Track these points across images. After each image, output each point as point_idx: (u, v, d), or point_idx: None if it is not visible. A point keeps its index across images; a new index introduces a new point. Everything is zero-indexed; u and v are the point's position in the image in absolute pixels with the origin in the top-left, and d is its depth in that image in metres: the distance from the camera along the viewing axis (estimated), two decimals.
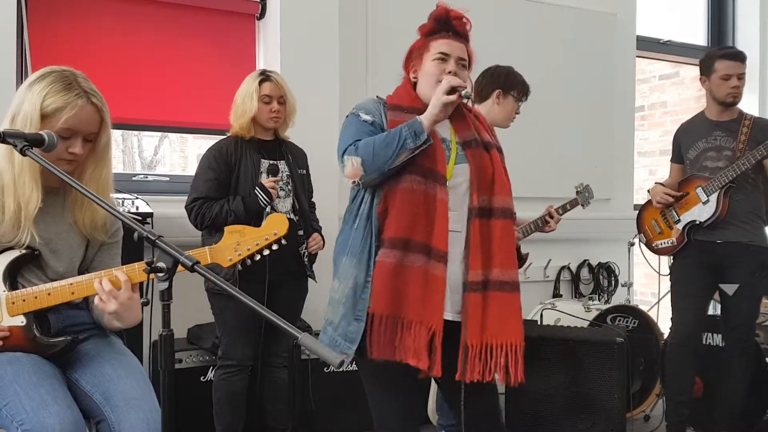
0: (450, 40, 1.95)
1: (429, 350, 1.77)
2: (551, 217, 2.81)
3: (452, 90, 1.83)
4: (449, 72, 1.91)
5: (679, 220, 3.10)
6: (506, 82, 2.78)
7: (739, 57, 3.01)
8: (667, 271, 3.28)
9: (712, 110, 3.09)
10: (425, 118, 1.83)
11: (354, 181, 1.87)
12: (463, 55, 1.96)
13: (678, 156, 3.21)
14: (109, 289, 1.60)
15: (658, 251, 3.24)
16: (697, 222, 3.03)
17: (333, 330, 1.88)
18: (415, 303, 1.79)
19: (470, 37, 1.99)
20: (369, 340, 1.79)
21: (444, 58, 1.93)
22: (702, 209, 3.01)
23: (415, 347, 1.77)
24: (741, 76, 2.99)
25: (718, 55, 3.04)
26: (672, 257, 3.21)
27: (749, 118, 3.02)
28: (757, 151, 2.88)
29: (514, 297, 1.87)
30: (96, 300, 1.63)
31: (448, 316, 1.84)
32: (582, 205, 3.12)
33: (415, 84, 2.00)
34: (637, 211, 3.36)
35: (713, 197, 2.98)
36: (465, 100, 1.86)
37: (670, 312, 3.15)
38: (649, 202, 3.26)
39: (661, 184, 3.21)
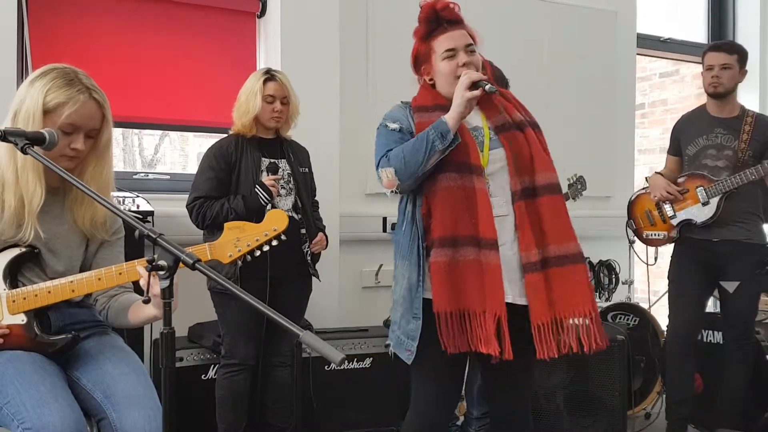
0: (449, 33, 1.94)
1: (497, 336, 1.80)
2: None
3: (473, 85, 1.83)
4: (462, 65, 1.92)
5: (674, 216, 3.09)
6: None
7: (723, 48, 3.01)
8: (653, 262, 3.28)
9: (711, 104, 3.09)
10: (450, 118, 1.84)
11: (392, 191, 1.91)
12: (468, 40, 1.96)
13: (675, 148, 3.20)
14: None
15: (648, 242, 3.24)
16: (693, 221, 3.03)
17: (398, 329, 1.93)
18: (476, 294, 1.82)
19: (463, 17, 1.99)
20: (440, 337, 1.82)
21: (452, 54, 1.94)
22: (700, 210, 3.01)
23: (484, 336, 1.79)
24: (725, 66, 2.97)
25: (707, 48, 3.09)
26: (670, 255, 3.21)
27: (751, 116, 3.01)
28: (763, 166, 2.85)
29: (576, 269, 1.88)
30: (141, 282, 1.60)
31: (509, 299, 1.85)
32: (573, 198, 3.12)
33: (432, 84, 2.01)
34: (630, 198, 3.33)
35: (714, 201, 2.97)
36: (489, 93, 1.86)
37: (668, 309, 3.15)
38: (645, 190, 3.24)
39: (660, 173, 3.19)
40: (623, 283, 4.11)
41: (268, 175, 2.74)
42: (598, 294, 4.33)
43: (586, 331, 1.84)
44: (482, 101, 1.96)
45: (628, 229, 3.33)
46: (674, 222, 3.09)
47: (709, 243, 3.02)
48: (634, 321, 3.55)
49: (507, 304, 1.83)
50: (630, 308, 3.61)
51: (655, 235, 3.16)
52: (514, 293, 1.87)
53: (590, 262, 4.49)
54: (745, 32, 5.18)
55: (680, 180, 3.13)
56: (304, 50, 3.48)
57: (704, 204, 3.00)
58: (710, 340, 3.34)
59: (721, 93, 3.00)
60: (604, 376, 2.97)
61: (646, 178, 3.25)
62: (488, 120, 1.97)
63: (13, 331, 1.69)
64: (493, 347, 1.78)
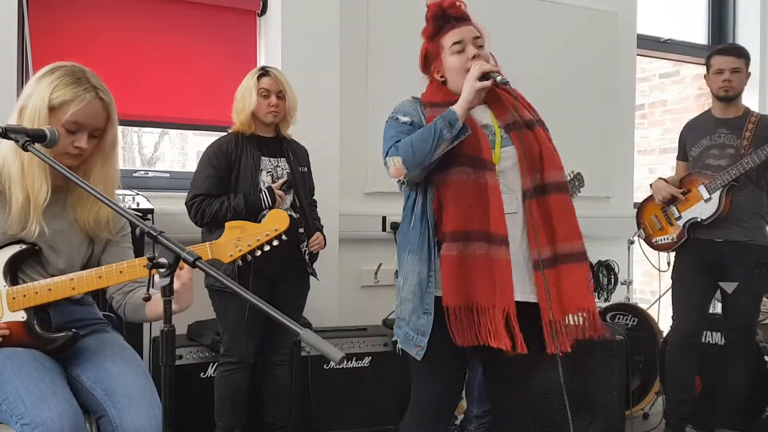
0: (456, 28, 1.96)
1: (507, 331, 1.81)
2: None
3: (484, 76, 1.83)
4: (472, 57, 1.92)
5: (680, 217, 3.10)
6: None
7: (733, 52, 3.02)
8: (666, 268, 3.29)
9: (716, 107, 3.10)
10: (458, 107, 1.84)
11: (400, 180, 1.91)
12: (475, 34, 1.97)
13: (683, 154, 3.22)
14: None
15: (658, 247, 3.24)
16: (699, 219, 3.03)
17: (406, 325, 1.92)
18: (485, 289, 1.82)
19: (469, 14, 2.00)
20: (450, 330, 1.82)
21: (461, 47, 1.94)
22: (704, 207, 3.01)
23: (494, 330, 1.80)
24: (735, 70, 2.98)
25: (714, 51, 3.09)
26: (674, 256, 3.21)
27: (755, 116, 3.02)
28: (762, 150, 2.86)
29: (582, 267, 1.91)
30: (156, 278, 1.61)
31: (518, 296, 1.85)
32: (571, 195, 3.13)
33: (443, 82, 2.02)
34: (637, 207, 3.35)
35: (715, 195, 2.98)
36: (502, 86, 1.87)
37: (671, 310, 3.15)
38: (650, 197, 3.26)
39: (663, 179, 3.21)
40: (622, 284, 4.12)
41: (282, 188, 2.75)
42: (597, 294, 4.34)
43: (588, 324, 1.88)
44: (492, 99, 1.97)
45: (638, 239, 3.34)
46: (680, 223, 3.10)
47: (713, 243, 3.02)
48: (633, 321, 3.56)
49: (517, 302, 1.84)
50: (629, 308, 3.62)
51: (664, 239, 3.17)
52: (522, 291, 1.88)
53: (589, 262, 4.49)
54: (746, 33, 5.19)
55: (683, 182, 3.14)
56: (304, 49, 3.48)
57: (707, 200, 3.00)
58: (709, 341, 3.35)
59: (732, 96, 3.02)
60: (603, 376, 2.97)
61: (650, 185, 3.26)
62: (498, 118, 1.98)
63: (13, 328, 1.69)
64: (504, 342, 1.79)
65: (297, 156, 2.90)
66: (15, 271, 1.73)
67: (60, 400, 1.57)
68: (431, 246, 1.88)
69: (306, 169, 2.95)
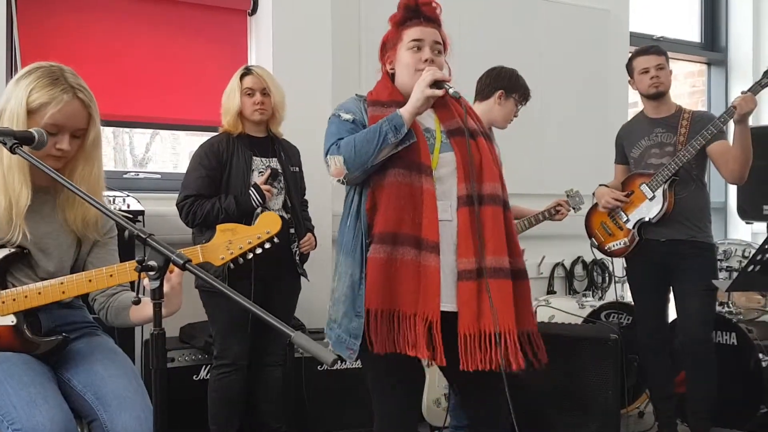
0: (422, 26, 1.93)
1: (429, 341, 1.76)
2: (560, 205, 3.05)
3: (436, 83, 1.81)
4: (426, 60, 1.90)
5: (628, 220, 3.08)
6: (509, 84, 2.84)
7: (652, 50, 3.05)
8: (622, 274, 3.30)
9: (648, 108, 3.12)
10: (405, 111, 1.82)
11: (340, 180, 1.87)
12: (438, 39, 1.94)
13: (622, 157, 3.22)
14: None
15: (612, 253, 3.20)
16: (647, 219, 3.02)
17: (338, 327, 1.88)
18: (409, 295, 1.78)
19: (441, 21, 1.98)
20: (368, 335, 1.78)
21: (418, 45, 1.91)
22: (649, 206, 3.00)
23: (412, 339, 1.76)
24: (660, 67, 3.01)
25: (634, 54, 3.12)
26: (624, 260, 3.21)
27: (688, 112, 3.04)
28: (696, 141, 2.87)
29: (508, 284, 1.83)
30: (146, 281, 1.59)
31: (447, 306, 1.82)
32: (573, 209, 3.15)
33: (392, 76, 1.99)
34: (585, 217, 3.31)
35: (659, 192, 2.97)
36: (452, 97, 1.84)
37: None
38: (596, 205, 3.24)
39: (605, 185, 3.20)
40: (616, 282, 4.12)
41: (268, 181, 2.73)
42: (591, 292, 4.34)
43: (513, 350, 1.78)
44: (438, 104, 1.93)
45: (593, 249, 3.31)
46: (629, 226, 3.08)
47: (657, 243, 3.01)
48: (627, 320, 3.55)
49: (444, 312, 1.79)
50: (623, 307, 3.62)
51: (616, 245, 3.14)
52: (450, 300, 1.83)
53: (583, 261, 4.51)
54: (738, 31, 5.20)
55: (625, 185, 3.13)
56: (295, 48, 3.46)
57: (651, 199, 2.99)
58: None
59: (662, 92, 3.04)
60: (597, 375, 2.96)
61: (593, 193, 3.25)
62: (441, 123, 1.95)
63: (2, 333, 1.68)
64: (421, 351, 1.74)
65: (289, 156, 2.89)
66: (4, 275, 1.71)
67: (51, 405, 1.56)
68: (363, 247, 1.84)
69: (297, 168, 2.94)
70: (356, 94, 2.03)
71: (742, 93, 2.80)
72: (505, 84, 2.82)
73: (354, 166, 1.81)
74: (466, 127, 1.90)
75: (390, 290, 1.79)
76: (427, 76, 1.81)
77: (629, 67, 3.12)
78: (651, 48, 3.08)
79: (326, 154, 1.89)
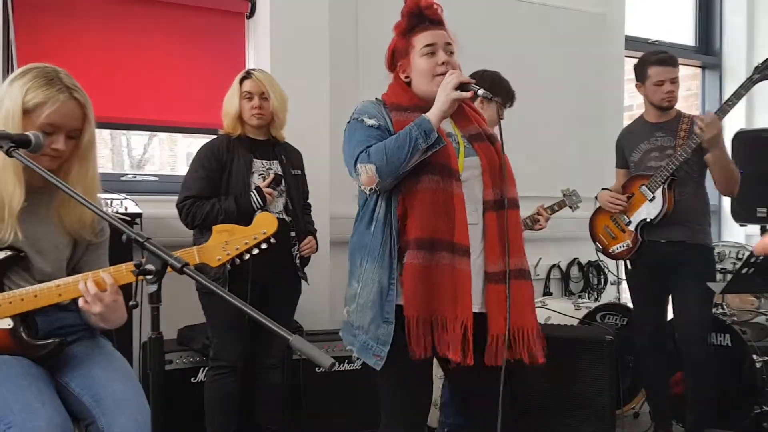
0: (430, 30, 1.93)
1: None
2: (540, 215, 2.93)
3: (461, 86, 1.81)
4: (442, 63, 1.90)
5: (630, 222, 3.10)
6: (491, 88, 2.80)
7: (671, 62, 3.03)
8: (625, 277, 3.31)
9: (651, 114, 3.11)
10: (433, 116, 1.82)
11: (371, 188, 1.85)
12: (448, 40, 1.94)
13: (622, 161, 3.23)
14: (95, 291, 1.59)
15: (616, 256, 3.23)
16: (648, 220, 3.03)
17: (364, 334, 1.86)
18: (448, 300, 1.80)
19: (445, 21, 1.97)
20: (409, 341, 1.79)
21: (432, 50, 1.91)
22: (650, 207, 3.02)
23: (453, 342, 1.78)
24: (674, 80, 3.01)
25: (651, 61, 3.05)
26: (626, 262, 3.22)
27: (687, 117, 3.05)
28: (691, 139, 2.89)
29: (528, 284, 1.92)
30: (80, 302, 1.61)
31: (475, 308, 1.84)
32: (571, 208, 3.16)
33: (408, 83, 1.98)
34: (589, 221, 3.34)
35: (658, 193, 2.99)
36: (484, 98, 1.86)
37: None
38: (599, 209, 3.27)
39: (607, 189, 3.22)
40: (612, 284, 4.13)
41: (271, 185, 2.74)
42: (587, 294, 4.36)
43: (535, 345, 1.89)
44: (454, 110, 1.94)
45: (597, 253, 3.35)
46: (632, 228, 3.10)
47: (658, 244, 3.02)
48: (623, 321, 3.57)
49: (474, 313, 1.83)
50: (618, 308, 3.63)
51: (620, 247, 3.17)
52: (477, 302, 1.86)
53: (579, 263, 4.52)
54: (732, 35, 5.22)
55: (625, 188, 3.15)
56: (293, 51, 3.46)
57: (651, 200, 3.01)
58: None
59: (673, 106, 3.05)
60: (593, 376, 2.97)
61: (595, 197, 3.27)
62: (459, 129, 1.97)
63: (0, 336, 1.67)
64: (456, 353, 1.77)
65: (290, 159, 2.89)
66: (0, 278, 1.71)
67: (48, 408, 1.57)
68: (393, 253, 1.84)
69: (300, 172, 2.94)
70: (375, 98, 2.00)
71: (706, 114, 2.81)
72: (486, 88, 2.81)
73: (386, 173, 1.80)
74: (485, 133, 1.96)
75: (430, 296, 1.81)
76: (452, 79, 1.82)
77: (641, 73, 3.07)
78: (668, 59, 3.04)
79: (355, 162, 1.85)
